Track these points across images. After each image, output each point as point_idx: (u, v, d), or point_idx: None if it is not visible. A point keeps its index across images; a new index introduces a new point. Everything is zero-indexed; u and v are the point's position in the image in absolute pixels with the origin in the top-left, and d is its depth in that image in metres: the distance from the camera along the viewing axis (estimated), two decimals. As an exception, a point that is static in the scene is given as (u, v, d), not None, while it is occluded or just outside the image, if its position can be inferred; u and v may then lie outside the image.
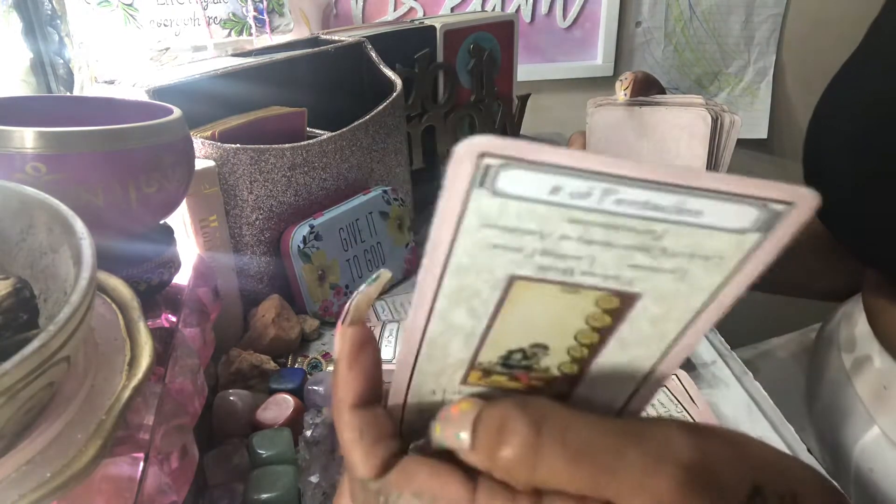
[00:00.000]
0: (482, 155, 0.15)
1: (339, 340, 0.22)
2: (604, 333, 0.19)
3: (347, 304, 0.22)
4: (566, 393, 0.22)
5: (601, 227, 0.17)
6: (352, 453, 0.21)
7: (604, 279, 0.18)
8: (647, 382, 0.21)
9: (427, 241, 0.17)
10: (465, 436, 0.19)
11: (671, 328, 0.19)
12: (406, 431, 0.23)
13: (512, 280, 0.18)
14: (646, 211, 0.16)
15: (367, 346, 0.22)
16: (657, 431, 0.19)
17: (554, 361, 0.21)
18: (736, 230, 0.17)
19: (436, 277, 0.18)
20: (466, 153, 0.15)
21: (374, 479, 0.21)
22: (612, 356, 0.20)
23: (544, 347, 0.20)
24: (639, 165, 0.15)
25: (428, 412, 0.22)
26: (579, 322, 0.19)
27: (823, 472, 0.23)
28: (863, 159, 0.50)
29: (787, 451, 0.47)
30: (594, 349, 0.20)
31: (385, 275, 0.22)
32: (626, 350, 0.20)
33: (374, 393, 0.22)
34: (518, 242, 0.17)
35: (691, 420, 0.49)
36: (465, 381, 0.22)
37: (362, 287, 0.22)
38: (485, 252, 0.17)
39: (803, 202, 0.16)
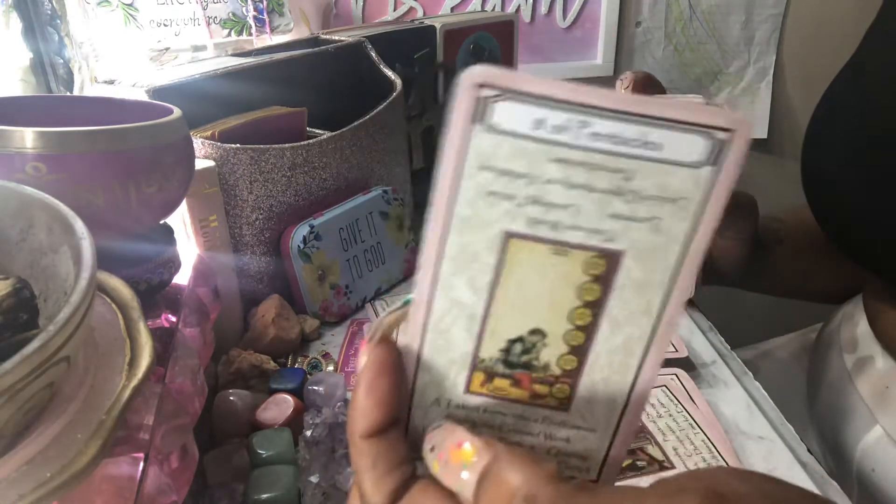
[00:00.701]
0: (479, 85, 0.18)
1: (362, 360, 0.21)
2: (595, 311, 0.20)
3: (377, 321, 0.22)
4: (568, 400, 0.22)
5: (580, 168, 0.19)
6: (363, 481, 0.21)
7: (588, 234, 0.19)
8: (643, 372, 0.21)
9: (432, 192, 0.19)
10: (466, 490, 0.19)
11: (655, 298, 0.20)
12: (411, 437, 0.23)
13: (507, 239, 0.20)
14: (616, 146, 0.18)
15: (391, 370, 0.21)
16: None
17: (553, 354, 0.21)
18: (692, 164, 0.19)
19: (440, 231, 0.20)
20: (467, 83, 0.18)
21: None
22: (606, 342, 0.21)
23: (542, 334, 0.21)
24: (605, 93, 0.18)
25: (433, 421, 0.22)
26: (571, 295, 0.20)
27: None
28: (861, 166, 0.50)
29: (787, 451, 0.47)
30: (589, 333, 0.21)
31: None
32: (618, 331, 0.21)
33: (391, 419, 0.21)
34: (511, 188, 0.19)
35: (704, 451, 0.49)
36: (467, 388, 0.22)
37: (397, 306, 0.22)
38: (483, 200, 0.19)
39: (741, 128, 0.18)
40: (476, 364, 0.21)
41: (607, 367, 0.21)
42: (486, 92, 0.18)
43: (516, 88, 0.18)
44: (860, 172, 0.50)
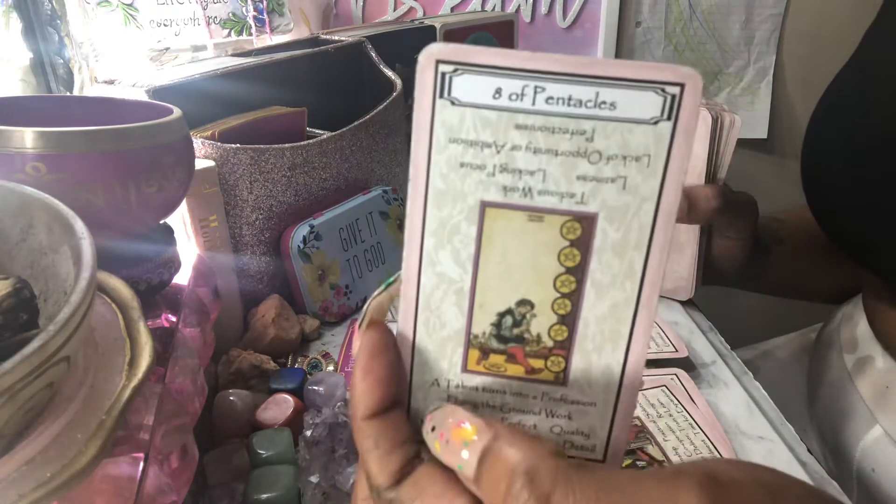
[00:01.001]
0: (438, 62, 0.19)
1: (356, 346, 0.22)
2: (578, 276, 0.21)
3: (365, 306, 0.22)
4: (564, 373, 0.22)
5: (542, 132, 0.19)
6: (367, 462, 0.21)
7: (559, 198, 0.20)
8: (634, 339, 0.21)
9: (409, 170, 0.20)
10: (467, 468, 0.19)
11: (635, 259, 0.20)
12: (413, 419, 0.23)
13: (483, 208, 0.20)
14: (572, 108, 0.19)
15: (384, 351, 0.21)
16: (669, 499, 0.18)
17: (543, 324, 0.21)
18: (648, 120, 0.19)
19: (420, 206, 0.20)
20: (427, 60, 0.19)
21: (389, 488, 0.21)
22: (593, 308, 0.21)
23: (530, 305, 0.21)
24: (554, 58, 0.19)
25: (434, 403, 0.22)
26: (553, 262, 0.21)
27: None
28: (860, 165, 0.50)
29: (787, 451, 0.47)
30: (575, 300, 0.21)
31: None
32: (604, 296, 0.21)
33: (391, 399, 0.21)
34: (480, 158, 0.20)
35: (700, 435, 0.49)
36: (465, 366, 0.22)
37: (381, 288, 0.22)
38: (455, 173, 0.20)
39: (691, 81, 0.19)
40: (470, 341, 0.22)
41: (599, 335, 0.21)
42: (445, 67, 0.19)
43: (471, 61, 0.19)
44: (860, 172, 0.50)
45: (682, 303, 0.65)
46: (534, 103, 0.19)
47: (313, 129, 0.68)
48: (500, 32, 0.93)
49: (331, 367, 0.57)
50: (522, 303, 0.21)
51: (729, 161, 0.57)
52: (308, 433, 0.46)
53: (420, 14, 1.13)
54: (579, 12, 1.19)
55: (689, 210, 0.54)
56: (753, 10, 1.24)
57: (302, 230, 0.61)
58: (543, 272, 0.21)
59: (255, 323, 0.58)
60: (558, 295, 0.21)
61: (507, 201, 0.20)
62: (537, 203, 0.20)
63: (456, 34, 0.87)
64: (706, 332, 0.62)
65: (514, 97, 0.19)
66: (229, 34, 0.88)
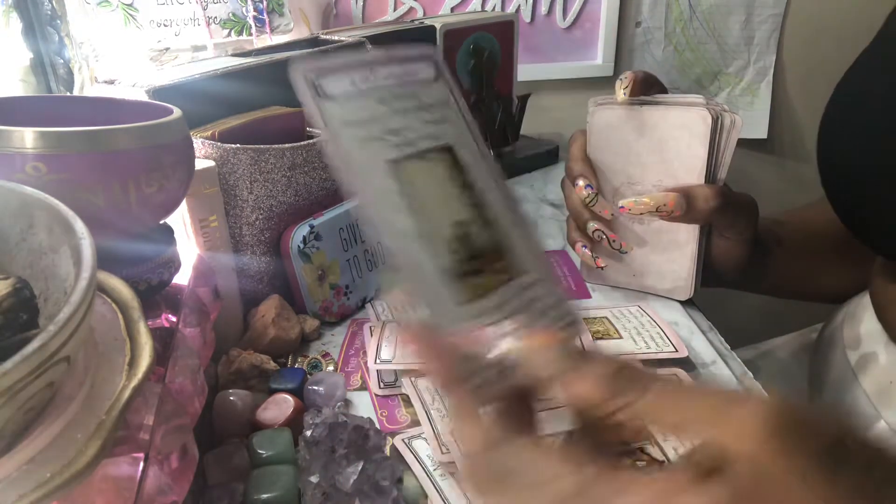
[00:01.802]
0: (307, 72, 0.26)
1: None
2: (475, 189, 0.28)
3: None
4: (513, 267, 0.28)
5: (394, 100, 0.27)
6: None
7: (430, 140, 0.28)
8: (516, 210, 0.29)
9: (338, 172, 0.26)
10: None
11: (484, 163, 0.29)
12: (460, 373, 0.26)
13: (392, 165, 0.26)
14: (399, 79, 0.28)
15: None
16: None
17: (482, 237, 0.27)
18: (433, 79, 0.29)
19: (356, 183, 0.26)
20: (299, 74, 0.26)
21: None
22: (496, 206, 0.28)
23: (463, 224, 0.27)
24: (376, 53, 0.28)
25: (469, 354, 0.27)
26: (454, 188, 0.28)
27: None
28: (882, 151, 0.49)
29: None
30: (483, 209, 0.28)
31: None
32: (493, 195, 0.29)
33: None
34: (371, 131, 0.26)
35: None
36: (460, 301, 0.26)
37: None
38: (361, 148, 0.26)
39: (436, 53, 0.29)
40: (449, 275, 0.26)
41: (509, 224, 0.28)
42: (312, 75, 0.26)
43: (327, 66, 0.26)
44: (881, 158, 0.49)
45: (682, 303, 0.65)
46: (377, 82, 0.27)
47: (313, 129, 0.68)
48: (500, 32, 0.93)
49: (331, 367, 0.57)
50: (457, 224, 0.27)
51: (729, 161, 0.57)
52: (308, 433, 0.46)
53: (420, 14, 1.13)
54: (579, 12, 1.19)
55: (687, 209, 0.54)
56: (753, 10, 1.24)
57: (302, 230, 0.61)
58: (452, 196, 0.27)
59: (255, 323, 0.58)
60: (473, 209, 0.27)
61: (403, 154, 0.27)
62: (420, 147, 0.27)
63: (456, 34, 0.87)
64: (706, 332, 0.62)
65: (364, 81, 0.26)
66: (229, 34, 0.88)
